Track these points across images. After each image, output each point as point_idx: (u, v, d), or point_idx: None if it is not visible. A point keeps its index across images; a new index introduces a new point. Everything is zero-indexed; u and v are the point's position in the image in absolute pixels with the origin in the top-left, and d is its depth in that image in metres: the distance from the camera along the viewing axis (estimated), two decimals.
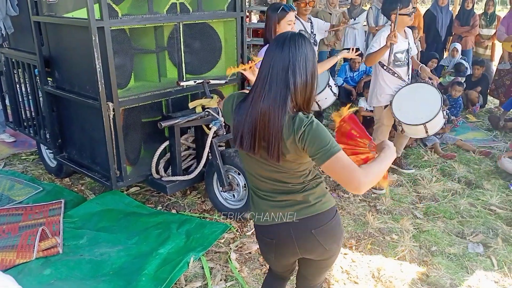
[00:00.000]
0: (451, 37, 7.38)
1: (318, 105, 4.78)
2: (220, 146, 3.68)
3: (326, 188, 1.82)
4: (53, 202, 3.76)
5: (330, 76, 4.74)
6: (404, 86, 3.80)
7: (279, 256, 1.86)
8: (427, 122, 3.68)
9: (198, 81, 3.56)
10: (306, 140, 1.52)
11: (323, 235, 1.73)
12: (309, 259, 1.83)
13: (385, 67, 3.74)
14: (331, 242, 1.76)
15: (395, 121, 3.92)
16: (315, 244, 1.74)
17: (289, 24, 3.13)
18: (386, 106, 3.85)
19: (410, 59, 3.86)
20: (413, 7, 3.65)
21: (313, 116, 1.59)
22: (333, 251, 1.80)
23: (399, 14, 3.56)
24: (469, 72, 6.87)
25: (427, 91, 3.80)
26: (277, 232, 1.77)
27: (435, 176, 4.34)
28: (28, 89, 4.19)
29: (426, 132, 3.78)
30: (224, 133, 3.49)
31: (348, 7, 7.29)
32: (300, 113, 1.57)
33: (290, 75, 1.54)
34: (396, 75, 3.75)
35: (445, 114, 3.93)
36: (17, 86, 4.40)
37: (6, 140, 5.23)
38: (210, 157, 3.55)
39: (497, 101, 6.91)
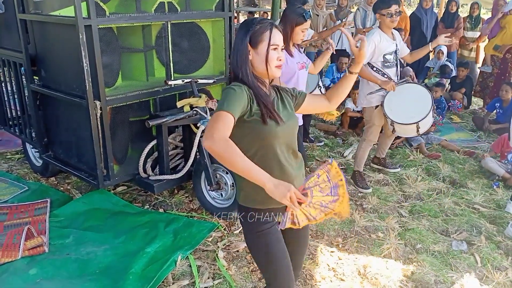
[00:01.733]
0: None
1: None
2: None
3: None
4: (39, 201, 3.73)
5: (319, 78, 4.77)
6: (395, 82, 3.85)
7: None
8: (420, 121, 3.74)
9: (186, 80, 3.56)
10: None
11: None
12: None
13: (374, 68, 3.80)
14: (243, 230, 1.93)
15: (385, 121, 3.97)
16: None
17: (303, 31, 3.14)
18: (376, 107, 3.91)
19: (398, 60, 3.93)
20: (399, 11, 3.68)
21: (239, 84, 1.71)
22: (245, 239, 1.93)
23: (381, 14, 3.65)
24: (453, 74, 6.99)
25: (417, 91, 3.87)
26: None
27: (420, 176, 4.40)
28: (14, 88, 4.15)
29: (418, 131, 3.83)
30: None
31: (335, 8, 7.36)
32: (234, 82, 1.74)
33: (231, 55, 1.80)
34: (385, 76, 3.80)
35: (433, 113, 3.99)
36: (2, 84, 4.36)
37: None
38: (198, 156, 3.55)
39: (481, 103, 7.04)
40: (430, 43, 3.88)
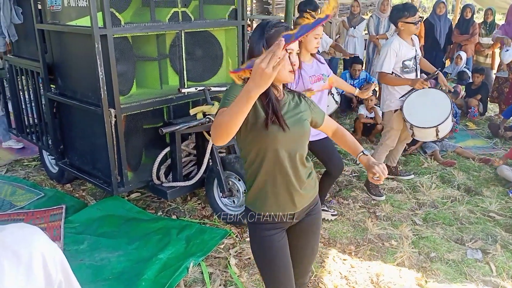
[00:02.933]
0: (451, 46, 7.43)
1: None
2: (220, 152, 3.71)
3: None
4: (54, 207, 3.79)
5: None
6: (413, 91, 3.84)
7: None
8: (439, 124, 3.72)
9: (199, 88, 3.60)
10: None
11: None
12: None
13: (394, 74, 3.80)
14: (249, 233, 1.94)
15: (404, 125, 3.96)
16: None
17: (316, 38, 3.05)
18: (395, 111, 3.90)
19: (418, 65, 3.92)
20: (420, 16, 3.72)
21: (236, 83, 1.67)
22: (250, 242, 1.94)
23: (406, 23, 3.65)
24: (469, 80, 6.92)
25: (436, 95, 3.85)
26: None
27: (435, 183, 4.36)
28: (31, 96, 4.24)
29: (437, 135, 3.81)
30: None
31: (348, 15, 7.36)
32: None
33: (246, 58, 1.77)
34: None
35: (452, 117, 3.96)
36: (21, 93, 4.45)
37: (14, 147, 5.26)
38: (210, 163, 3.58)
39: (497, 109, 6.94)
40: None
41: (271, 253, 1.85)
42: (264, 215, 1.84)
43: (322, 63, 3.30)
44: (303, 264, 2.05)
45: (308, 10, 3.18)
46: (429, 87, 3.79)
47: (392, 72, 3.80)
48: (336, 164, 3.41)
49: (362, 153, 1.90)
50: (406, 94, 3.82)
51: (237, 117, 1.40)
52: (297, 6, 5.09)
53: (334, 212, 3.69)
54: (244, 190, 3.45)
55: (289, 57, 1.68)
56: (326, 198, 3.87)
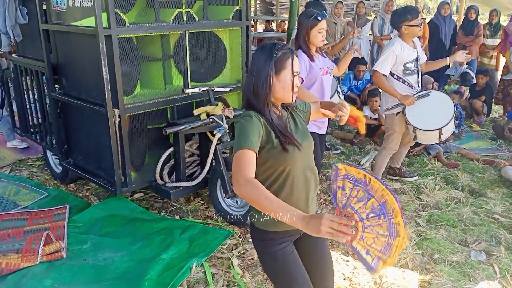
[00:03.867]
0: (455, 47, 7.41)
1: None
2: (224, 152, 3.71)
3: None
4: (58, 207, 3.80)
5: (338, 84, 4.76)
6: (415, 94, 3.84)
7: None
8: (443, 127, 3.71)
9: (203, 89, 3.61)
10: (235, 131, 1.68)
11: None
12: None
13: (395, 76, 3.80)
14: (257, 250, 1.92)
15: (406, 128, 3.95)
16: None
17: (320, 32, 3.14)
18: (397, 114, 3.89)
19: (419, 67, 3.92)
20: (422, 18, 3.72)
21: (249, 113, 1.71)
22: (260, 260, 1.92)
23: (409, 26, 3.64)
24: (473, 81, 6.90)
25: (439, 97, 3.84)
26: None
27: (439, 185, 4.34)
28: (36, 96, 4.26)
29: (440, 137, 3.80)
30: (228, 140, 3.53)
31: (353, 16, 7.35)
32: (249, 111, 1.73)
33: (249, 78, 1.78)
34: (406, 83, 3.80)
35: (455, 119, 3.96)
36: (25, 92, 4.47)
37: (18, 146, 5.27)
38: (214, 164, 3.58)
39: (501, 111, 6.92)
40: (448, 57, 3.87)
41: (286, 268, 1.82)
42: (279, 234, 1.82)
43: (325, 57, 3.40)
44: (327, 280, 2.01)
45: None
46: (432, 89, 3.79)
47: (394, 74, 3.79)
48: (317, 163, 3.46)
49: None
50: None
51: (268, 213, 1.52)
52: (303, 7, 5.10)
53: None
54: None
55: (293, 78, 1.76)
56: (330, 199, 3.89)
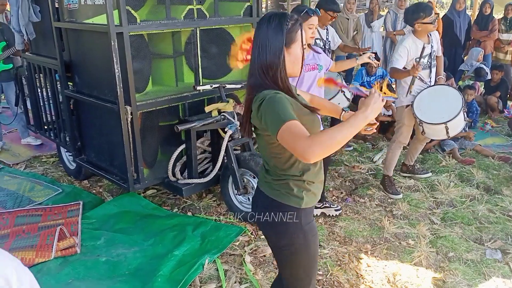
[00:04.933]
0: (470, 42, 7.30)
1: None
2: (235, 149, 3.71)
3: (301, 192, 1.73)
4: (72, 203, 3.84)
5: (343, 81, 4.73)
6: (426, 88, 3.80)
7: None
8: (448, 121, 3.66)
9: (214, 86, 3.60)
10: (262, 114, 1.58)
11: (263, 221, 1.79)
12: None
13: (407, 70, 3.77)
14: (269, 231, 1.80)
15: (416, 122, 3.91)
16: (257, 222, 1.85)
17: (310, 28, 3.08)
18: (407, 106, 3.86)
19: (433, 62, 3.87)
20: (436, 13, 3.68)
21: (268, 92, 1.61)
22: (273, 242, 1.82)
23: (423, 23, 3.60)
24: (488, 77, 6.79)
25: (449, 92, 3.80)
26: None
27: (453, 182, 4.28)
28: (49, 93, 4.30)
29: (447, 133, 3.75)
30: (240, 137, 3.52)
31: (366, 11, 7.28)
32: (266, 91, 1.62)
33: (257, 54, 1.65)
34: (418, 77, 3.76)
35: (465, 116, 3.89)
36: (39, 90, 4.51)
37: (33, 143, 5.34)
38: (225, 161, 3.58)
39: None
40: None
41: (315, 244, 1.80)
42: (307, 208, 1.77)
43: (318, 53, 3.34)
44: None
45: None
46: (443, 84, 3.74)
47: (405, 68, 3.76)
48: (328, 159, 3.45)
49: (343, 111, 1.95)
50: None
51: (351, 136, 1.49)
52: (315, 2, 5.06)
53: (337, 207, 3.66)
54: None
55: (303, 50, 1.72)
56: (342, 196, 3.88)
